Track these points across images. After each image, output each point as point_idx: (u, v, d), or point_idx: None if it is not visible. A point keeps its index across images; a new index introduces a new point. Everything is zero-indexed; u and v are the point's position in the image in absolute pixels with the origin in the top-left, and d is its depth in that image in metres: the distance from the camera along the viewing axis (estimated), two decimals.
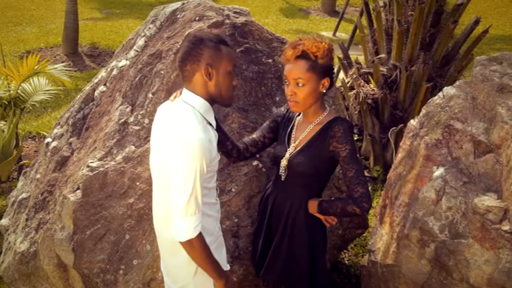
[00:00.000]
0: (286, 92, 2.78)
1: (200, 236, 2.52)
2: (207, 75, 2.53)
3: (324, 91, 2.76)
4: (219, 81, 2.56)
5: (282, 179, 2.90)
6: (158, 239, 2.81)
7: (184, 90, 2.61)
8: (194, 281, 2.67)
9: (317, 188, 2.91)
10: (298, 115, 2.95)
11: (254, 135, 3.06)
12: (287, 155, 2.87)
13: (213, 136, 2.59)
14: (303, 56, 2.71)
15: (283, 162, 2.87)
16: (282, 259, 2.95)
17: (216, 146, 2.63)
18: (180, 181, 2.44)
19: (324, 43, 2.73)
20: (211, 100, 2.61)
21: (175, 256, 2.67)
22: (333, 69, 2.81)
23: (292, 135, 2.91)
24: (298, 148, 2.84)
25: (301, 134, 2.86)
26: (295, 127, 2.93)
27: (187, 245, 2.50)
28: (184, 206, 2.44)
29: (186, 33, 3.58)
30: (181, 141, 2.44)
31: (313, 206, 2.84)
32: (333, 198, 2.81)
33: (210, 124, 2.62)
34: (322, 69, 2.72)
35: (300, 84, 2.71)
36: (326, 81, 2.74)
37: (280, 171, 2.91)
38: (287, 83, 2.76)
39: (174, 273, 2.74)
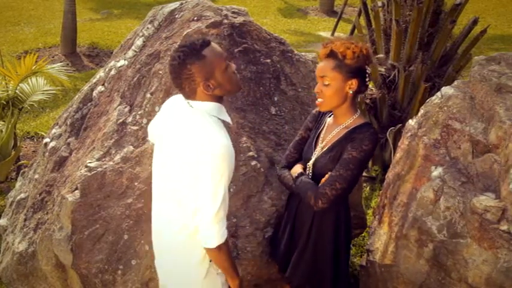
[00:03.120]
0: (314, 90, 2.82)
1: (227, 242, 2.54)
2: (207, 89, 2.51)
3: (351, 92, 2.76)
4: (220, 83, 2.53)
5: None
6: (162, 245, 2.79)
7: (192, 104, 2.58)
8: (202, 283, 2.67)
9: None
10: (330, 116, 2.95)
11: (296, 155, 3.07)
12: (313, 156, 2.88)
13: (229, 138, 2.56)
14: (331, 54, 2.74)
15: (309, 163, 2.89)
16: (307, 261, 2.96)
17: None
18: (209, 189, 2.43)
19: (355, 45, 2.73)
20: (220, 98, 2.60)
21: (187, 259, 2.66)
22: (365, 71, 2.78)
23: (321, 136, 2.92)
24: (324, 150, 2.85)
25: (329, 135, 2.87)
26: (325, 128, 2.94)
27: (216, 250, 2.52)
28: (215, 213, 2.44)
29: (184, 33, 3.58)
30: (207, 149, 2.42)
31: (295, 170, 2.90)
32: (308, 178, 2.84)
33: (226, 124, 2.62)
34: (349, 70, 2.72)
35: (325, 83, 2.74)
36: (354, 82, 2.74)
37: (307, 172, 2.92)
38: (317, 82, 2.80)
39: (182, 277, 2.74)
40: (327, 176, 2.76)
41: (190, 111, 2.57)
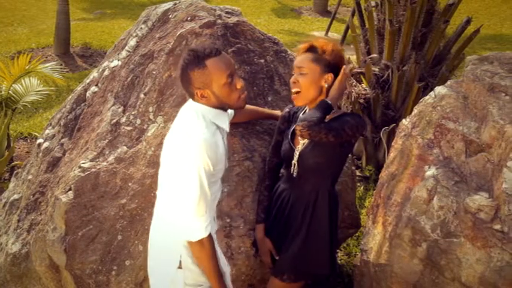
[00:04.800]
0: (290, 81, 2.86)
1: (210, 237, 2.55)
2: (201, 98, 2.56)
3: (326, 86, 2.82)
4: (217, 95, 2.57)
5: (294, 176, 2.96)
6: (150, 241, 2.84)
7: (194, 103, 2.64)
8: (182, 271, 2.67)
9: (331, 176, 2.97)
10: (303, 112, 2.97)
11: (275, 159, 3.16)
12: (296, 151, 2.93)
13: (221, 140, 2.59)
14: (311, 49, 2.83)
15: (294, 158, 2.93)
16: (297, 254, 3.00)
17: (225, 152, 2.65)
18: (187, 182, 2.47)
19: (333, 44, 2.84)
20: (220, 107, 2.63)
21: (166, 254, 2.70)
22: (340, 69, 2.85)
23: None
24: (306, 143, 2.90)
25: None
26: None
27: (198, 245, 2.53)
28: (195, 206, 2.48)
29: (178, 33, 3.58)
30: (186, 141, 2.48)
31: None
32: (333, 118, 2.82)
33: (221, 128, 2.64)
34: (327, 64, 2.81)
35: (302, 72, 2.80)
36: (329, 77, 2.81)
37: (292, 168, 2.96)
38: (293, 74, 2.85)
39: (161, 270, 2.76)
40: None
41: (188, 111, 2.61)
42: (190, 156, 2.44)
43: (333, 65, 2.82)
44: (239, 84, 2.61)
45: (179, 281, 2.64)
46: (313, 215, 2.96)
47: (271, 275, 3.13)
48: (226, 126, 2.65)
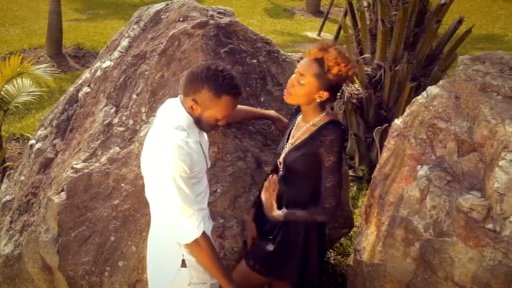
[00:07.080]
0: (289, 79, 2.87)
1: (205, 235, 2.56)
2: (189, 107, 2.59)
3: (319, 101, 2.82)
4: (201, 116, 2.61)
5: (280, 174, 2.97)
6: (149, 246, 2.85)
7: (177, 101, 2.67)
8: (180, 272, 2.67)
9: (312, 185, 2.92)
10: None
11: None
12: (283, 151, 2.94)
13: (195, 143, 2.61)
14: (320, 61, 2.78)
15: (280, 158, 2.95)
16: (275, 251, 2.98)
17: (202, 152, 2.67)
18: (166, 190, 2.50)
19: (344, 65, 2.77)
20: (195, 120, 2.66)
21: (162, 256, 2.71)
22: (339, 89, 2.87)
23: (292, 133, 2.97)
24: (293, 146, 2.90)
25: (298, 132, 2.92)
26: (295, 125, 3.00)
27: (194, 245, 2.54)
28: (180, 210, 2.49)
29: (170, 34, 3.57)
30: (160, 150, 2.51)
31: (277, 214, 2.91)
32: (297, 211, 2.88)
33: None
34: (327, 83, 2.78)
35: (301, 82, 2.79)
36: (324, 94, 2.80)
37: (280, 167, 2.98)
38: (295, 73, 2.84)
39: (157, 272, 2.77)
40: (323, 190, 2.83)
41: (168, 114, 2.64)
42: (164, 165, 2.48)
43: (333, 85, 2.80)
44: (223, 122, 2.68)
45: (182, 280, 2.64)
46: (289, 225, 2.95)
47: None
48: (195, 136, 2.67)
